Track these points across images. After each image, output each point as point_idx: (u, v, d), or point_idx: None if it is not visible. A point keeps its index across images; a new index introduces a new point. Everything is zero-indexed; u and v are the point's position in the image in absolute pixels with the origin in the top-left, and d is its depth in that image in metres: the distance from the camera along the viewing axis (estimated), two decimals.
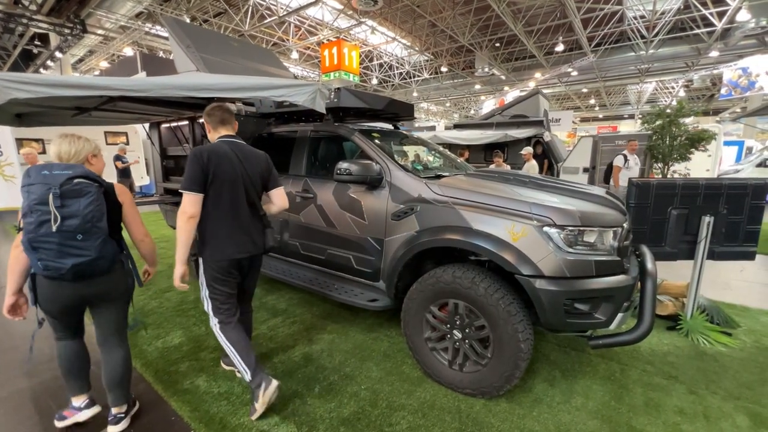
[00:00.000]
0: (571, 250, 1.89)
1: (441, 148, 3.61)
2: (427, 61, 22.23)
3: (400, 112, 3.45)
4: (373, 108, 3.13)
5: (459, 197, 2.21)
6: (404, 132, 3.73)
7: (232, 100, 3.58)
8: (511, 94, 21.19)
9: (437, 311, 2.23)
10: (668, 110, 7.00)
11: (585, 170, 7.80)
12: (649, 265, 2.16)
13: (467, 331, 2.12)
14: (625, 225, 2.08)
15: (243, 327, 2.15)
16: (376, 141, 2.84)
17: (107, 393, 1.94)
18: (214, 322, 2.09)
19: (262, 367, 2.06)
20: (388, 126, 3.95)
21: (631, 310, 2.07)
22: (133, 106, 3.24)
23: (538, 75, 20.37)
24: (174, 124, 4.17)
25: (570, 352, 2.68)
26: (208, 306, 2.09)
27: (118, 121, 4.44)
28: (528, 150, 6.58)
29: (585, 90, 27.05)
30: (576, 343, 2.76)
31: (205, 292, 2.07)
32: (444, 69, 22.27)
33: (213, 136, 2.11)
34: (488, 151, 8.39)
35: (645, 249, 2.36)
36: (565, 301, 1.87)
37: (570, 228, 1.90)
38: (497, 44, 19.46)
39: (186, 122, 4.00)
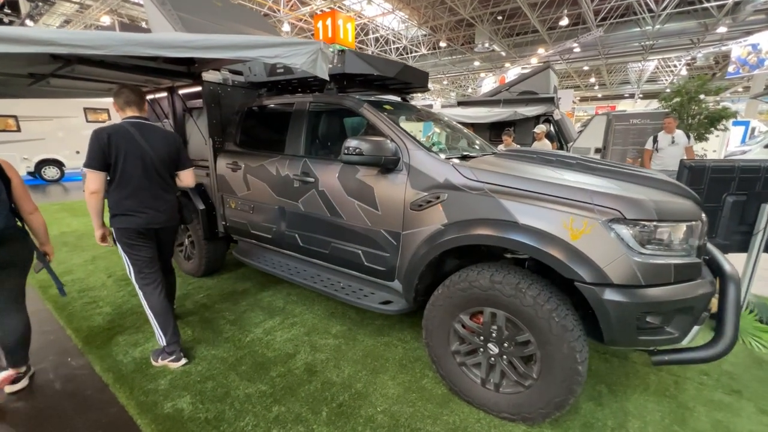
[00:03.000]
0: (644, 251, 1.50)
1: (459, 126, 3.16)
2: (425, 35, 21.26)
3: (413, 81, 2.98)
4: (384, 75, 2.66)
5: (498, 183, 1.79)
6: (415, 106, 3.26)
7: (217, 65, 3.07)
8: (512, 71, 20.46)
9: (468, 321, 1.86)
10: (689, 86, 6.52)
11: (597, 151, 7.39)
12: (727, 265, 1.79)
13: (506, 345, 1.76)
14: (703, 218, 1.69)
15: (168, 284, 2.46)
16: (389, 115, 2.39)
17: (5, 355, 2.03)
18: (138, 289, 2.27)
19: (178, 341, 2.30)
20: (394, 98, 3.47)
21: (706, 322, 1.71)
22: (97, 72, 2.71)
23: (541, 51, 19.61)
24: (150, 96, 3.64)
25: (611, 359, 2.35)
26: (130, 272, 2.25)
27: (86, 93, 3.87)
28: (541, 128, 6.14)
29: (586, 68, 26.30)
30: (616, 349, 2.43)
31: (125, 258, 2.23)
32: (443, 44, 21.32)
33: (121, 116, 2.24)
34: (494, 130, 7.92)
35: (711, 246, 1.99)
36: (638, 315, 1.50)
37: (644, 223, 1.51)
38: (499, 17, 18.57)
39: (164, 94, 3.48)
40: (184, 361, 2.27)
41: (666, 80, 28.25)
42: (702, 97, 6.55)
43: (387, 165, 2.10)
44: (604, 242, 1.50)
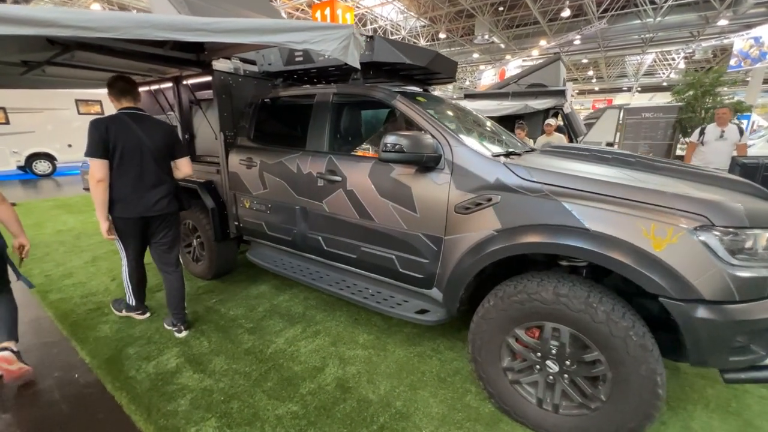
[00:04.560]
0: (735, 262, 1.34)
1: (489, 120, 2.96)
2: (424, 26, 20.90)
3: (443, 71, 2.78)
4: (415, 64, 2.45)
5: (560, 184, 1.61)
6: (441, 97, 3.05)
7: (228, 53, 2.83)
8: (513, 64, 20.23)
9: (524, 335, 1.69)
10: (704, 78, 6.38)
11: (608, 145, 7.24)
12: None
13: (569, 364, 1.60)
14: None
15: (173, 285, 2.51)
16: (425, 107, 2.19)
17: None
18: (122, 256, 2.49)
19: (144, 302, 2.72)
20: (416, 89, 3.26)
21: None
22: (99, 60, 2.47)
23: (543, 43, 19.41)
24: (155, 87, 3.40)
25: None
26: (121, 250, 2.46)
27: (84, 83, 3.61)
28: (552, 122, 5.97)
29: (585, 60, 26.14)
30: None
31: (118, 242, 2.41)
32: (442, 35, 21.00)
33: (116, 106, 2.30)
34: (502, 123, 7.72)
35: None
36: (731, 334, 1.34)
37: (734, 230, 1.35)
38: (500, 8, 18.28)
39: (170, 84, 3.23)
40: (148, 314, 2.71)
41: (663, 74, 28.24)
42: (718, 90, 6.42)
43: (428, 163, 1.91)
44: (693, 253, 1.33)
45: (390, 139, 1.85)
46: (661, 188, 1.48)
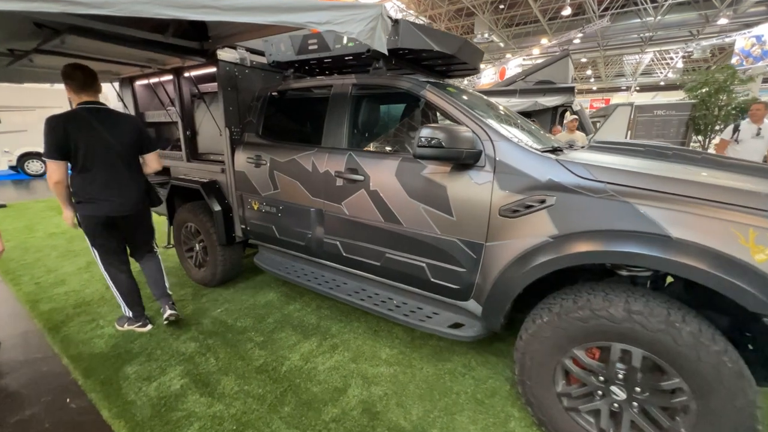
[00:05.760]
0: None
1: (516, 114, 2.75)
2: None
3: (470, 60, 2.56)
4: (441, 52, 2.23)
5: (630, 184, 1.40)
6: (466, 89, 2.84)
7: (234, 40, 2.59)
8: (513, 63, 20.10)
9: (583, 356, 1.48)
10: (718, 75, 6.22)
11: None
12: None
13: (640, 391, 1.38)
14: None
15: (151, 269, 2.49)
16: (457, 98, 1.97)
17: None
18: (99, 264, 2.33)
19: (143, 312, 2.49)
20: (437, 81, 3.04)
21: None
22: (92, 47, 2.25)
23: (543, 41, 19.31)
24: (153, 80, 3.16)
25: None
26: (95, 255, 2.31)
27: None
28: (576, 118, 5.78)
29: (584, 60, 26.07)
30: None
31: (89, 243, 2.27)
32: None
33: (74, 100, 2.13)
34: None
35: None
36: None
37: None
38: (500, 6, 18.14)
39: (170, 76, 2.99)
40: (150, 326, 2.49)
41: (661, 73, 28.27)
42: (733, 87, 6.25)
43: (466, 160, 1.69)
44: None
45: (425, 132, 1.63)
46: (753, 188, 1.27)
